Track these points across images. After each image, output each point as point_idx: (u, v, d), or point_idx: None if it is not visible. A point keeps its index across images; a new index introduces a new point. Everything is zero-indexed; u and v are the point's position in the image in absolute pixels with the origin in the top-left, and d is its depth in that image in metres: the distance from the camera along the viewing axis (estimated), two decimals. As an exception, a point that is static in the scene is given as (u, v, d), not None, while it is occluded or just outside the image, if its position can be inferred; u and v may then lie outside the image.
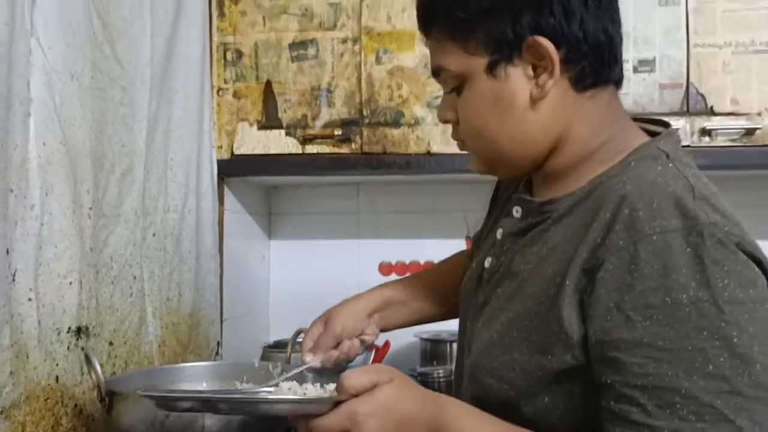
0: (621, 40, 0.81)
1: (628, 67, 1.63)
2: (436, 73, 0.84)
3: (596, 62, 0.78)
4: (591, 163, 0.79)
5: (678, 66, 1.62)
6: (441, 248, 2.12)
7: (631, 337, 0.66)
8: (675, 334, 0.65)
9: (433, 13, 0.81)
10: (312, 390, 0.83)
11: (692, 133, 1.61)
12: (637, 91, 1.63)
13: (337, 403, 0.68)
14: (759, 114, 1.59)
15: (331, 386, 0.80)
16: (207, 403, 0.77)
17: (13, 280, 1.06)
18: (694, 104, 1.62)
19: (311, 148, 1.74)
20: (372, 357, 2.07)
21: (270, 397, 0.76)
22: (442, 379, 1.76)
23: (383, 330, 1.15)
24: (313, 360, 1.08)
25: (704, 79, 1.61)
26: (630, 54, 1.63)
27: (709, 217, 0.67)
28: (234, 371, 1.32)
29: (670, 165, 0.74)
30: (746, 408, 0.64)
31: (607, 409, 0.68)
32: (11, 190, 1.05)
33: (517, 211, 0.86)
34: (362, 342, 1.11)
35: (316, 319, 1.16)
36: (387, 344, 2.11)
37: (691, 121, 1.61)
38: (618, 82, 0.83)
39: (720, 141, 1.60)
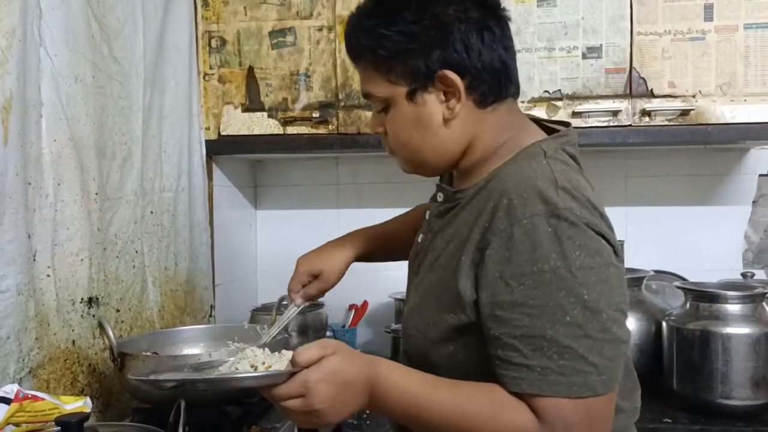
0: (515, 62, 0.99)
1: (577, 54, 1.80)
2: (366, 96, 1.00)
3: (494, 85, 0.95)
4: (492, 160, 0.97)
5: (622, 52, 1.78)
6: (414, 216, 2.31)
7: (510, 299, 0.84)
8: (541, 294, 0.83)
9: (359, 49, 0.97)
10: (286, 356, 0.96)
11: (634, 114, 1.78)
12: (585, 75, 1.80)
13: (291, 375, 0.81)
14: (693, 96, 1.76)
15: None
16: (188, 383, 0.94)
17: (34, 259, 1.23)
18: (636, 87, 1.78)
19: (292, 129, 1.90)
20: (352, 315, 2.28)
21: (237, 375, 0.87)
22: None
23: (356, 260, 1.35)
24: (298, 301, 1.31)
25: (645, 64, 1.78)
26: (579, 41, 1.79)
27: (565, 204, 0.85)
28: (226, 333, 1.50)
29: (544, 162, 0.91)
30: (596, 347, 0.82)
31: (495, 356, 0.86)
32: (29, 183, 1.21)
33: (439, 197, 1.04)
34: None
35: (302, 260, 1.33)
36: (365, 304, 2.31)
37: (633, 103, 1.78)
38: (515, 94, 1.00)
39: (659, 120, 1.77)
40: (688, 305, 1.65)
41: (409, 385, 0.86)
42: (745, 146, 2.08)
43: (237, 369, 0.89)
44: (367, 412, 1.48)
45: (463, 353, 0.92)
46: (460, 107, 0.94)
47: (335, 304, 2.24)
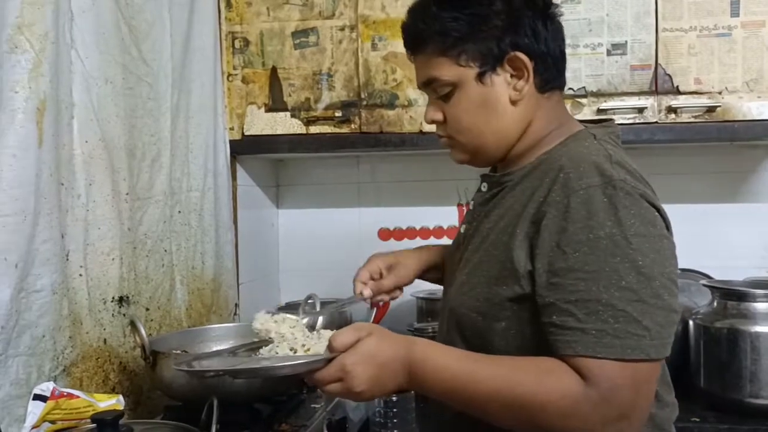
0: (566, 56, 1.04)
1: (602, 51, 1.79)
2: (427, 83, 1.02)
3: (554, 71, 1.01)
4: (541, 146, 1.01)
5: (648, 49, 1.77)
6: (435, 215, 2.32)
7: (566, 265, 0.86)
8: (596, 260, 0.85)
9: (425, 36, 1.00)
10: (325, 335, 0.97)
11: (659, 111, 1.77)
12: (610, 72, 1.79)
13: (329, 360, 0.85)
14: (720, 93, 1.75)
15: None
16: (228, 373, 0.95)
17: (67, 259, 1.25)
18: (662, 84, 1.77)
19: (314, 129, 1.91)
20: (374, 313, 2.28)
21: (275, 364, 0.89)
22: (437, 333, 1.96)
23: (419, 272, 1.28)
24: (366, 292, 1.26)
25: (671, 61, 1.77)
26: (604, 38, 1.79)
27: (620, 176, 0.88)
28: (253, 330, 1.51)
29: (595, 142, 0.96)
30: (649, 312, 0.84)
31: (550, 324, 0.87)
32: (62, 184, 1.23)
33: (484, 187, 1.07)
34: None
35: (376, 254, 1.28)
36: (387, 303, 2.31)
37: (659, 100, 1.77)
38: (563, 87, 1.05)
39: (684, 117, 1.76)
40: (715, 303, 1.64)
41: (448, 361, 0.88)
42: (771, 143, 2.07)
43: (277, 353, 0.91)
44: (394, 401, 1.48)
45: (515, 327, 0.93)
46: (527, 89, 0.98)
47: (357, 303, 2.24)
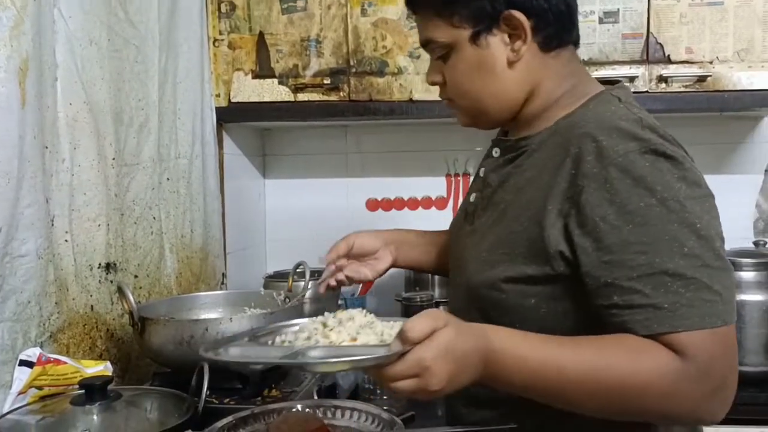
0: (577, 6, 0.98)
1: (594, 19, 1.77)
2: (425, 44, 0.99)
3: (559, 28, 0.95)
4: (556, 108, 0.95)
5: (639, 17, 1.76)
6: (423, 185, 2.31)
7: (620, 240, 0.80)
8: (653, 229, 0.79)
9: None
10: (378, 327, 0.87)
11: (650, 80, 1.77)
12: (602, 41, 1.78)
13: (401, 354, 0.74)
14: (711, 62, 1.75)
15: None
16: (284, 366, 0.88)
17: (52, 224, 1.22)
18: (653, 53, 1.76)
19: (303, 96, 1.88)
20: (361, 285, 2.28)
21: (333, 360, 0.79)
22: (424, 303, 1.96)
23: (394, 264, 1.25)
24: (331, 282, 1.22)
25: (663, 30, 1.76)
26: (596, 6, 1.77)
27: (657, 139, 0.84)
28: (243, 299, 1.50)
29: (621, 105, 0.90)
30: (716, 276, 0.79)
31: (612, 305, 0.81)
32: (46, 147, 1.20)
33: (495, 152, 1.03)
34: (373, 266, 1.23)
35: (362, 236, 1.25)
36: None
37: (650, 69, 1.76)
38: (576, 42, 0.99)
39: (675, 87, 1.76)
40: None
41: (528, 349, 0.80)
42: (759, 114, 2.07)
43: (317, 342, 0.83)
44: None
45: (545, 306, 0.89)
46: (525, 49, 0.93)
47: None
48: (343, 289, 2.19)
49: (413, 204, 2.31)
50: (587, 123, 0.88)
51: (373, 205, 2.32)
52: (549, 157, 0.90)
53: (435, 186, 2.30)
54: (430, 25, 0.97)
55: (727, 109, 1.82)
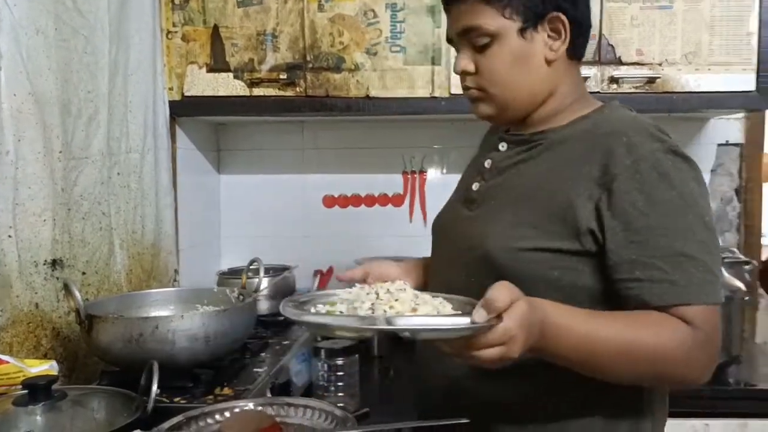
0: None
1: (548, 20, 1.80)
2: (464, 32, 1.03)
3: (584, 40, 1.07)
4: (568, 112, 1.05)
5: (592, 19, 1.78)
6: (380, 182, 2.31)
7: (646, 224, 0.93)
8: (674, 217, 0.92)
9: None
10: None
11: (602, 81, 1.80)
12: (555, 41, 1.80)
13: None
14: (660, 64, 1.79)
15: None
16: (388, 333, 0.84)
17: (-5, 219, 1.18)
18: (605, 54, 1.80)
19: (258, 91, 1.86)
20: (318, 281, 2.27)
21: (437, 327, 0.80)
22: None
23: None
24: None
25: (615, 32, 1.79)
26: (550, 7, 1.79)
27: (674, 142, 0.97)
28: (196, 296, 1.48)
29: (635, 113, 1.05)
30: (716, 261, 0.94)
31: (634, 279, 0.92)
32: (-12, 139, 1.16)
33: (503, 147, 1.10)
34: None
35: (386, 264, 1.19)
36: (331, 269, 2.31)
37: (602, 70, 1.80)
38: (581, 59, 1.10)
39: (626, 88, 1.79)
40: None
41: (575, 322, 0.88)
42: (705, 115, 2.13)
43: (396, 312, 0.84)
44: (339, 364, 1.48)
45: (568, 278, 0.97)
46: (562, 50, 1.02)
47: (301, 269, 2.23)
48: (298, 285, 2.19)
49: (370, 201, 2.31)
50: (614, 123, 1.00)
51: (329, 201, 2.32)
52: (574, 150, 1.00)
53: (392, 183, 2.31)
54: (477, 13, 1.01)
55: (675, 111, 1.86)
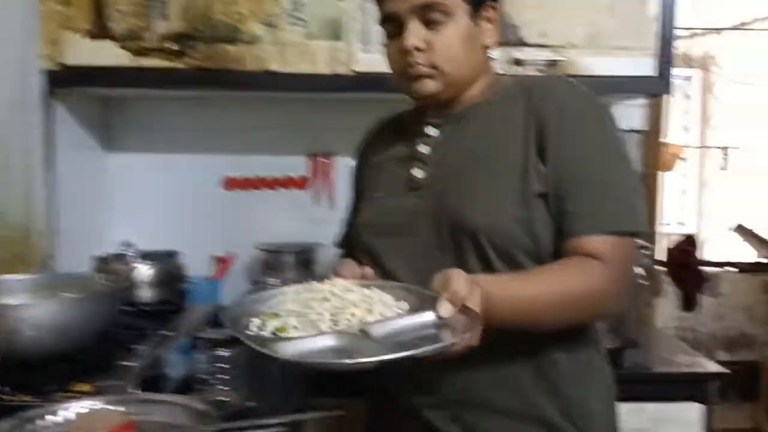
0: None
1: (452, -3, 1.74)
2: (426, 7, 1.04)
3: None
4: (488, 89, 1.12)
5: (497, -2, 1.74)
6: (284, 164, 2.20)
7: (575, 162, 1.02)
8: (603, 154, 1.03)
9: None
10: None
11: (506, 62, 1.76)
12: (460, 19, 1.75)
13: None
14: (563, 47, 1.76)
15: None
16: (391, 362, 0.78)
17: None
18: (509, 35, 1.76)
19: (145, 62, 1.72)
20: (217, 267, 2.16)
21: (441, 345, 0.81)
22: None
23: None
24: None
25: (519, 12, 1.75)
26: (455, -16, 1.73)
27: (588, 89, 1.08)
28: (64, 283, 1.35)
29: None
30: (639, 196, 1.04)
31: (566, 213, 1.01)
32: None
33: (432, 131, 1.13)
34: None
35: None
36: (232, 255, 2.19)
37: (506, 51, 1.76)
38: None
39: (529, 70, 1.76)
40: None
41: (508, 290, 0.94)
42: (608, 101, 2.13)
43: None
44: (224, 356, 1.39)
45: (538, 220, 1.02)
46: (495, 38, 1.11)
47: (198, 254, 2.11)
48: (194, 272, 2.07)
49: (273, 183, 2.20)
50: (536, 80, 1.15)
51: (229, 183, 2.19)
52: (506, 110, 1.07)
53: (295, 164, 2.20)
54: None
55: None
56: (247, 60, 1.74)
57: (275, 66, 1.75)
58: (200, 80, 1.74)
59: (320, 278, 1.02)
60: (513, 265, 1.02)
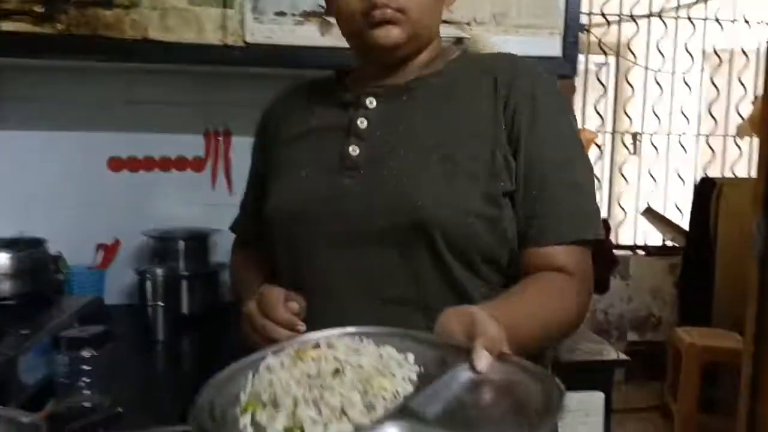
0: None
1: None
2: None
3: None
4: (438, 59, 1.05)
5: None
6: (176, 144, 2.03)
7: (551, 156, 0.97)
8: (568, 144, 0.99)
9: None
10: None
11: (410, 38, 1.67)
12: (360, -10, 1.64)
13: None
14: (468, 24, 1.69)
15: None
16: None
17: None
18: (412, 9, 1.66)
19: (6, 26, 1.53)
20: (102, 255, 1.99)
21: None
22: (168, 277, 1.74)
23: None
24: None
25: (423, -15, 1.66)
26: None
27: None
28: None
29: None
30: (594, 197, 1.00)
31: (540, 217, 0.94)
32: None
33: (371, 102, 1.01)
34: None
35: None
36: (117, 243, 2.02)
37: (409, 26, 1.66)
38: None
39: (434, 47, 1.67)
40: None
41: (509, 320, 0.79)
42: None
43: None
44: (85, 357, 1.24)
45: (506, 218, 0.95)
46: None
47: (79, 241, 1.93)
48: (76, 261, 1.89)
49: (165, 164, 2.04)
50: (489, 59, 1.08)
51: (116, 164, 2.01)
52: (468, 88, 1.00)
53: (189, 144, 2.05)
54: None
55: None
56: (125, 25, 1.58)
57: (155, 33, 1.59)
58: (70, 48, 1.57)
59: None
60: (468, 268, 0.94)
